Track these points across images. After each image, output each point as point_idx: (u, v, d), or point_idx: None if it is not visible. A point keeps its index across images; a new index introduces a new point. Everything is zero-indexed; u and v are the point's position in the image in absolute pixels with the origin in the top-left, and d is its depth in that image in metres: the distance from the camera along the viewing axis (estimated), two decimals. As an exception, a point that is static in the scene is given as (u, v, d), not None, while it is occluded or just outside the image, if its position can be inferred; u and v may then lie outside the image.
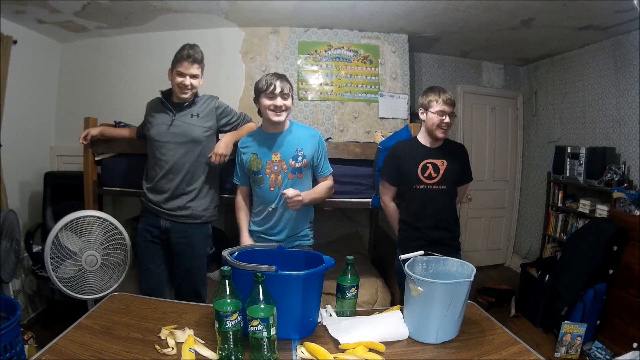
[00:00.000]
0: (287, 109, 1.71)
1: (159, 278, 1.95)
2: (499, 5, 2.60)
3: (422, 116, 1.87)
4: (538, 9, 2.60)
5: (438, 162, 1.84)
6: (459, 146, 1.97)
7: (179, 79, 1.82)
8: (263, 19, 3.07)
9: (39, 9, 2.57)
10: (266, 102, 1.69)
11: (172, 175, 1.85)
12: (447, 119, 1.80)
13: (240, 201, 1.89)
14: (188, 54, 1.81)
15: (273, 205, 1.75)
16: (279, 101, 1.68)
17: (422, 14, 2.85)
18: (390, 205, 1.99)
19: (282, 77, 1.71)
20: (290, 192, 1.67)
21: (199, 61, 1.84)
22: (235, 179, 1.87)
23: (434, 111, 1.80)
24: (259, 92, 1.71)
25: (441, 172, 1.83)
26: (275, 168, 1.73)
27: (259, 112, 1.78)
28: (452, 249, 1.85)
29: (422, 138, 1.90)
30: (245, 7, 2.81)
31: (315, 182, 1.88)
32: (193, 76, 1.84)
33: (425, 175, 1.83)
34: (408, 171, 1.85)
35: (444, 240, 1.86)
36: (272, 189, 1.74)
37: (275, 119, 1.70)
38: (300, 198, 1.67)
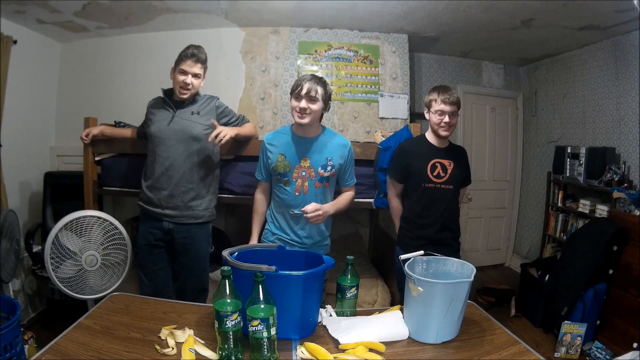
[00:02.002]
0: (312, 112, 1.63)
1: (164, 280, 1.95)
2: (499, 5, 2.60)
3: (426, 115, 1.90)
4: (538, 9, 2.60)
5: (446, 162, 1.86)
6: (461, 149, 2.00)
7: (181, 77, 1.82)
8: (263, 19, 3.07)
9: (39, 9, 2.57)
10: (293, 103, 1.66)
11: (172, 172, 1.85)
12: (446, 119, 1.80)
13: (258, 200, 1.84)
14: (192, 53, 1.81)
15: (296, 211, 1.70)
16: (303, 103, 1.62)
17: (422, 14, 2.85)
18: (395, 201, 2.00)
19: (314, 80, 1.64)
20: (309, 207, 1.63)
21: (202, 61, 1.84)
22: (258, 173, 1.82)
23: (434, 111, 1.83)
24: (290, 92, 1.69)
25: (449, 172, 1.85)
26: (303, 174, 1.69)
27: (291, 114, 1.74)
28: (453, 249, 1.87)
29: (430, 137, 1.91)
30: (245, 7, 2.81)
31: (337, 191, 1.85)
32: (195, 75, 1.83)
33: (435, 174, 1.84)
34: (417, 169, 1.86)
35: (446, 240, 1.87)
36: (297, 193, 1.70)
37: (298, 120, 1.65)
38: (320, 212, 1.63)
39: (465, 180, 1.98)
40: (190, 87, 1.83)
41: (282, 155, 1.71)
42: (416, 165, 1.87)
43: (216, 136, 1.78)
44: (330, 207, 1.72)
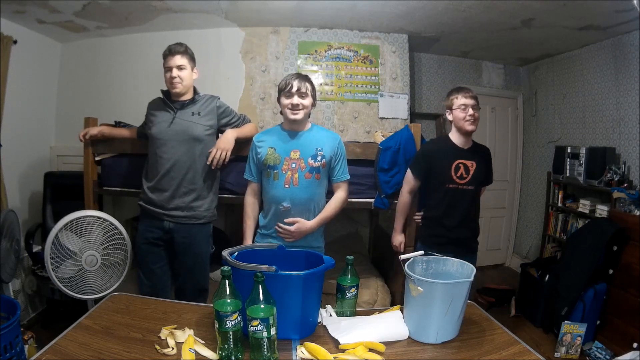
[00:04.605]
0: (304, 107, 1.69)
1: (162, 279, 1.95)
2: (499, 5, 2.60)
3: (449, 117, 1.97)
4: (538, 9, 2.60)
5: (468, 163, 1.92)
6: (485, 148, 2.06)
7: (167, 75, 1.85)
8: (263, 19, 3.07)
9: (39, 9, 2.57)
10: (284, 101, 1.70)
11: (174, 174, 1.85)
12: (470, 111, 1.87)
13: (249, 203, 1.82)
14: (169, 49, 1.85)
15: (285, 204, 1.70)
16: (295, 99, 1.67)
17: (422, 14, 2.85)
18: (407, 197, 2.04)
19: (301, 77, 1.71)
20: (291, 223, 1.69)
21: (181, 52, 1.85)
22: (247, 174, 1.82)
23: (456, 107, 1.90)
24: (279, 91, 1.73)
25: (471, 172, 1.91)
26: (293, 165, 1.70)
27: (282, 112, 1.77)
28: (472, 249, 1.97)
29: (454, 138, 1.97)
30: (245, 7, 2.81)
31: (330, 192, 1.83)
32: (179, 67, 1.84)
33: (458, 175, 1.90)
34: (441, 170, 1.91)
35: (467, 240, 1.95)
36: (286, 186, 1.70)
37: (292, 117, 1.69)
38: (291, 228, 1.68)
39: (486, 180, 2.05)
40: (177, 79, 1.84)
41: (271, 148, 1.73)
42: (440, 166, 1.92)
43: (216, 159, 1.86)
44: (315, 222, 1.73)
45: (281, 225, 1.70)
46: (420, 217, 2.11)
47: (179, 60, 1.84)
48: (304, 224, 1.70)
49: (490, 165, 2.05)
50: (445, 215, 1.93)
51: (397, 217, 2.10)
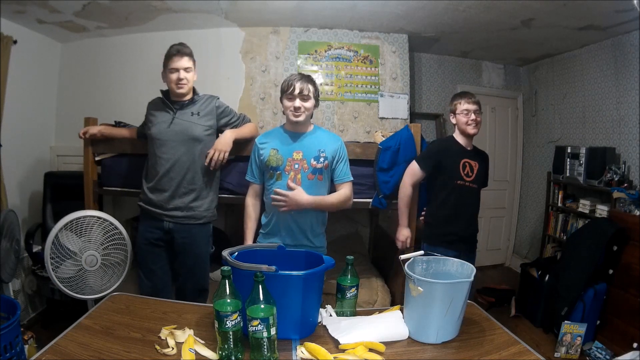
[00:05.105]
0: (306, 110, 1.68)
1: (163, 279, 1.95)
2: (499, 5, 2.60)
3: (453, 121, 2.06)
4: (538, 9, 2.60)
5: (473, 162, 2.00)
6: (485, 153, 2.14)
7: (174, 75, 1.83)
8: (263, 19, 3.07)
9: (39, 9, 2.57)
10: (286, 103, 1.69)
11: (173, 174, 1.85)
12: (472, 116, 1.96)
13: (250, 205, 1.83)
14: (177, 50, 1.83)
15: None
16: (297, 102, 1.66)
17: (422, 14, 2.85)
18: (410, 189, 2.04)
19: (303, 78, 1.69)
20: (290, 184, 1.67)
21: (188, 54, 1.85)
22: (249, 175, 1.82)
23: (459, 111, 1.99)
24: (281, 92, 1.73)
25: (475, 172, 1.99)
26: (296, 166, 1.70)
27: (284, 112, 1.76)
28: (474, 246, 2.08)
29: (459, 138, 2.04)
30: (245, 7, 2.81)
31: (332, 190, 1.83)
32: (186, 69, 1.83)
33: (465, 172, 1.97)
34: (451, 166, 1.97)
35: (471, 237, 2.03)
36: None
37: (293, 119, 1.69)
38: (287, 193, 1.64)
39: (483, 182, 2.10)
40: (185, 81, 1.84)
41: (274, 149, 1.73)
42: (450, 162, 1.98)
43: (214, 160, 1.86)
44: (313, 199, 1.68)
45: (279, 190, 1.67)
46: (423, 217, 2.13)
47: (186, 62, 1.83)
48: (301, 192, 1.66)
49: (487, 169, 2.12)
50: (454, 213, 1.97)
51: (401, 210, 2.07)
